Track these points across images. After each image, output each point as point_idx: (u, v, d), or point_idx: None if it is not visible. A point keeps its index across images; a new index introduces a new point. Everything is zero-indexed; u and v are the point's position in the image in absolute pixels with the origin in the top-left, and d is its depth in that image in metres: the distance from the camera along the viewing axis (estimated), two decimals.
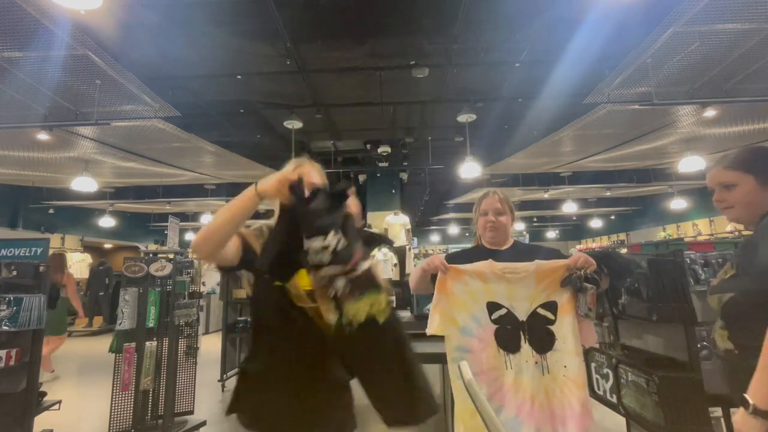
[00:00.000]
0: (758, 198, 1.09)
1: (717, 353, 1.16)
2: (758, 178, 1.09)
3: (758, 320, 0.95)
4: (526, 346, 1.29)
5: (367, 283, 0.92)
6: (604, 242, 17.08)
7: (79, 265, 11.10)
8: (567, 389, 1.25)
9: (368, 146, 7.99)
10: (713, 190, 1.21)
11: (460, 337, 1.33)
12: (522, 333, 1.30)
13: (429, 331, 1.35)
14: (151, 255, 3.30)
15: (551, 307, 1.30)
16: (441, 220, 16.44)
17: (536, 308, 1.31)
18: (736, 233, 9.82)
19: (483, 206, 1.60)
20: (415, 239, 17.80)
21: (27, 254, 2.82)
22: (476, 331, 1.32)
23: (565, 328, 1.29)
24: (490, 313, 1.32)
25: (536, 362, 1.27)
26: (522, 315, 1.32)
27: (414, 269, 1.53)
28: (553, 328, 1.30)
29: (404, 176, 10.55)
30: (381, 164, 8.60)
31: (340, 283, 0.89)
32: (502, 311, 1.32)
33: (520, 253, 1.48)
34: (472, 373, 1.29)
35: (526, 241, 17.25)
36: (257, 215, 1.25)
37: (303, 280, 1.02)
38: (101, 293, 9.19)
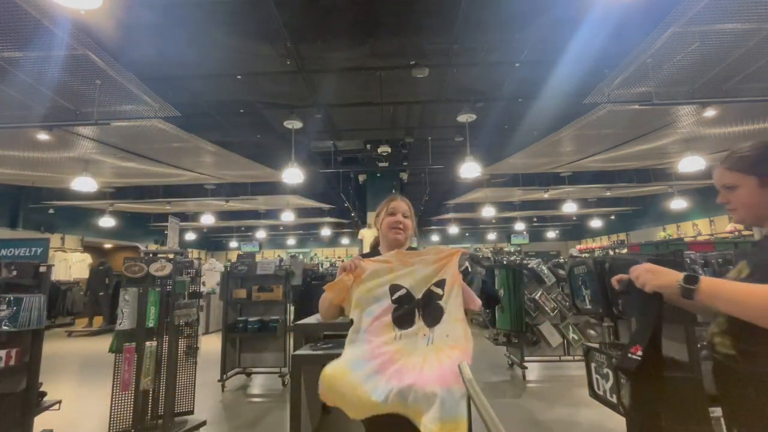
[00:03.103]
0: (760, 199, 1.05)
1: (715, 356, 1.14)
2: (761, 179, 1.04)
3: None
4: (419, 323, 1.37)
5: None
6: (604, 242, 17.08)
7: (79, 265, 11.11)
8: (444, 354, 1.31)
9: (368, 146, 8.00)
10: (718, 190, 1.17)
11: (362, 318, 1.40)
12: (417, 310, 1.38)
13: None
14: (151, 255, 3.30)
15: (441, 284, 1.40)
16: (441, 220, 16.45)
17: (430, 286, 1.41)
18: (736, 233, 9.84)
19: (391, 207, 1.65)
20: (415, 239, 17.76)
21: (27, 254, 2.82)
22: (376, 311, 1.39)
23: (451, 300, 1.38)
24: (392, 294, 1.41)
25: (424, 335, 1.35)
26: (418, 294, 1.41)
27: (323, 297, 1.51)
28: (441, 302, 1.38)
29: (404, 176, 10.56)
30: (381, 164, 8.61)
31: None
32: (402, 291, 1.40)
33: None
34: (362, 350, 1.33)
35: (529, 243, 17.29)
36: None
37: None
38: (101, 293, 9.19)
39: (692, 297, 0.94)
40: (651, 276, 1.00)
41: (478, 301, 1.44)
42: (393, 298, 1.40)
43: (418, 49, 4.60)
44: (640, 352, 1.05)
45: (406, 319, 1.37)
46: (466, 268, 1.34)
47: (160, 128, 5.04)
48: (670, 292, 0.99)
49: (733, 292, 0.93)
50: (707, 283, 0.94)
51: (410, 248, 1.67)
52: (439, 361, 1.27)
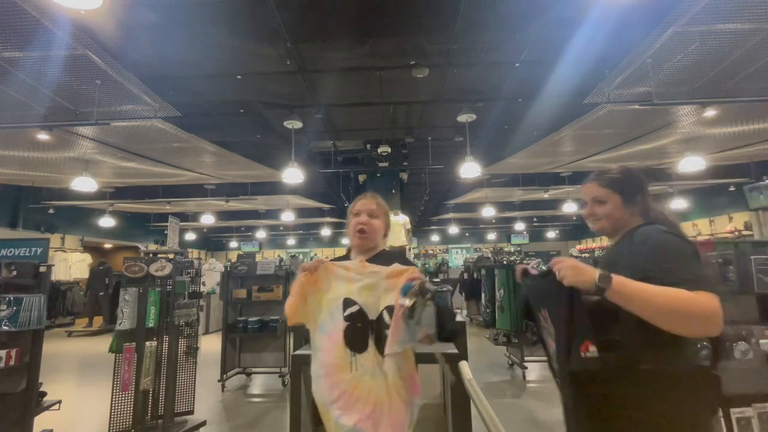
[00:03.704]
0: (622, 214, 1.25)
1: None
2: (624, 197, 1.25)
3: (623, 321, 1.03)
4: (372, 347, 1.26)
5: None
6: (604, 242, 17.08)
7: (79, 265, 11.11)
8: (396, 396, 1.23)
9: (368, 146, 8.00)
10: (585, 202, 1.32)
11: (317, 335, 1.32)
12: (370, 332, 1.28)
13: (287, 312, 1.35)
14: (151, 255, 3.30)
15: (391, 310, 1.25)
16: (441, 220, 16.45)
17: (383, 310, 1.29)
18: (736, 233, 9.83)
19: (357, 207, 1.54)
20: (415, 239, 17.81)
21: (27, 254, 2.82)
22: (329, 328, 1.30)
23: None
24: (344, 309, 1.30)
25: (378, 363, 1.24)
26: (372, 314, 1.29)
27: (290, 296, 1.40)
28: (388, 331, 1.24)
29: (404, 176, 10.55)
30: (381, 164, 8.60)
31: None
32: (355, 308, 1.29)
33: (382, 261, 1.41)
34: (320, 374, 1.26)
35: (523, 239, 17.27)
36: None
37: None
38: (101, 293, 9.19)
39: (602, 295, 1.00)
40: (572, 272, 1.04)
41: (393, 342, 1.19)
42: (345, 314, 1.29)
43: (418, 49, 4.59)
44: (593, 348, 1.00)
45: (359, 341, 1.27)
46: (413, 305, 1.13)
47: (160, 128, 5.04)
48: (587, 288, 1.02)
49: (639, 292, 0.99)
50: (619, 282, 1.00)
51: (384, 251, 1.57)
52: (390, 407, 1.21)
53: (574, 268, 1.04)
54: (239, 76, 5.06)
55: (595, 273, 1.00)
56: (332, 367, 1.26)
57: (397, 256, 1.50)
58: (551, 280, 1.09)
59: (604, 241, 17.07)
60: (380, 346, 1.24)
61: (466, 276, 8.85)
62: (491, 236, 20.94)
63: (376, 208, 1.53)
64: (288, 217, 11.89)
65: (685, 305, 0.96)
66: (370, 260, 1.43)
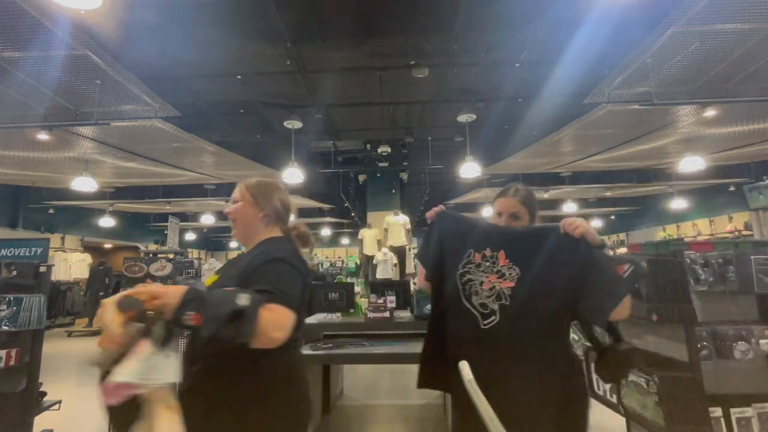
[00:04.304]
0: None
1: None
2: (530, 214, 1.38)
3: None
4: None
5: None
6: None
7: (79, 265, 11.11)
8: None
9: (368, 146, 8.00)
10: (499, 212, 1.40)
11: None
12: None
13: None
14: (151, 255, 3.30)
15: None
16: None
17: None
18: (736, 233, 9.84)
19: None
20: (415, 239, 17.78)
21: (27, 254, 2.82)
22: None
23: None
24: None
25: None
26: None
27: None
28: None
29: (404, 176, 10.56)
30: (381, 164, 8.61)
31: None
32: None
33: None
34: None
35: None
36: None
37: None
38: (101, 293, 9.18)
39: (603, 249, 1.18)
40: (586, 225, 1.17)
41: None
42: None
43: (418, 49, 4.59)
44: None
45: None
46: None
47: (160, 128, 5.04)
48: (594, 240, 1.16)
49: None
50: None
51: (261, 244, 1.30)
52: None
53: (585, 223, 1.17)
54: (239, 76, 5.06)
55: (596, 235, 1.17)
56: None
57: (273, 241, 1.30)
58: (545, 231, 1.22)
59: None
60: None
61: None
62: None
63: (245, 191, 1.32)
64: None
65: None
66: (243, 256, 1.28)
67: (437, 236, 1.36)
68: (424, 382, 1.32)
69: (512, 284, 1.18)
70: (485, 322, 1.18)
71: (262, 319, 0.95)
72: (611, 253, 1.22)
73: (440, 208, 1.40)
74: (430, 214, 1.39)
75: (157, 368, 0.89)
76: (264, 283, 1.04)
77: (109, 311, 0.92)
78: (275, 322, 0.98)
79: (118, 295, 0.94)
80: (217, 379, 1.05)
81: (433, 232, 1.38)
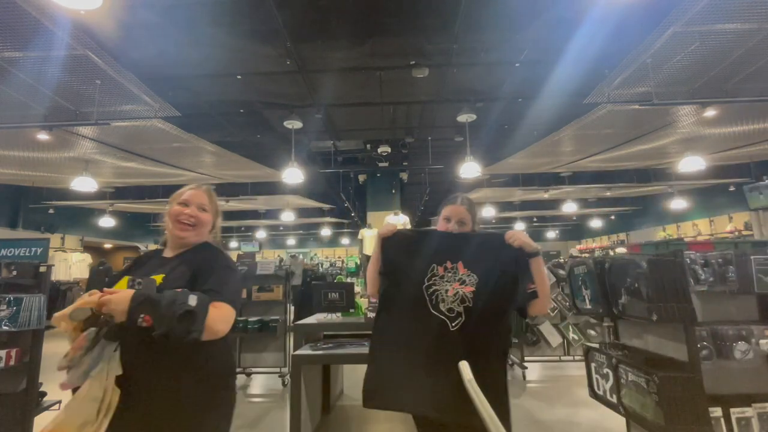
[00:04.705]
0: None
1: None
2: (473, 221, 1.60)
3: None
4: None
5: None
6: (604, 242, 17.09)
7: (79, 265, 11.11)
8: None
9: (368, 146, 8.00)
10: (448, 218, 1.58)
11: None
12: None
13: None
14: None
15: None
16: None
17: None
18: (736, 233, 9.84)
19: (185, 196, 1.40)
20: None
21: (27, 254, 2.82)
22: None
23: None
24: None
25: None
26: None
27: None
28: None
29: (404, 176, 10.56)
30: (381, 164, 8.60)
31: None
32: None
33: (196, 255, 1.35)
34: None
35: None
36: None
37: None
38: None
39: (537, 255, 1.42)
40: (524, 237, 1.42)
41: None
42: None
43: (418, 49, 4.60)
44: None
45: None
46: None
47: (160, 128, 5.04)
48: (532, 249, 1.41)
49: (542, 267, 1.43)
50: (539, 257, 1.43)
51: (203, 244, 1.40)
52: None
53: (524, 235, 1.42)
54: (239, 76, 5.06)
55: (534, 244, 1.40)
56: None
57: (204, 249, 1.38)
58: (491, 241, 1.47)
59: (604, 242, 17.08)
60: None
61: None
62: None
63: (205, 200, 1.40)
64: (288, 217, 11.89)
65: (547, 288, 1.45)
66: (171, 261, 1.34)
67: (393, 253, 1.51)
68: (378, 398, 1.38)
69: (473, 288, 1.40)
70: (453, 324, 1.37)
71: (210, 315, 1.10)
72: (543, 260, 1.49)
73: (393, 227, 1.55)
74: (383, 231, 1.53)
75: (104, 363, 1.07)
76: (214, 284, 1.21)
77: (63, 322, 1.07)
78: (220, 317, 1.14)
79: (69, 308, 1.06)
80: (157, 367, 1.16)
81: (389, 250, 1.52)
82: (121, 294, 1.06)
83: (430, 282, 1.43)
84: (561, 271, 4.84)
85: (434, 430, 1.39)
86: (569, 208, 11.74)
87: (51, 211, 10.26)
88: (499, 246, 1.43)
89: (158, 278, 1.22)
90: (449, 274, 1.43)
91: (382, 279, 1.51)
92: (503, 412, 1.31)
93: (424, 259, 1.47)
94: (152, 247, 12.99)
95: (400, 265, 1.49)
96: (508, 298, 1.41)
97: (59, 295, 9.80)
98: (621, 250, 11.49)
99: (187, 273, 1.24)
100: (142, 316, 1.02)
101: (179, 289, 1.12)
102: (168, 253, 1.37)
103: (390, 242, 1.52)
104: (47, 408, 2.74)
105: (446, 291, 1.40)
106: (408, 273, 1.46)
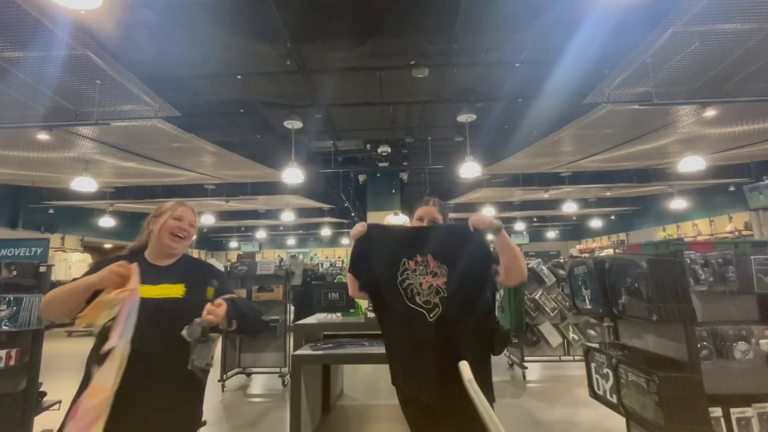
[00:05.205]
0: None
1: None
2: (443, 219, 1.66)
3: None
4: None
5: None
6: (604, 242, 17.08)
7: (79, 265, 11.11)
8: None
9: (368, 146, 7.99)
10: (421, 218, 1.63)
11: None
12: None
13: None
14: None
15: None
16: None
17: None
18: (736, 233, 9.84)
19: (179, 212, 1.58)
20: None
21: (27, 254, 2.82)
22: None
23: None
24: None
25: None
26: None
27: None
28: None
29: (404, 176, 10.55)
30: (381, 164, 8.59)
31: None
32: None
33: (184, 266, 1.57)
34: None
35: (527, 239, 17.30)
36: None
37: None
38: (101, 293, 9.19)
39: (498, 234, 1.45)
40: (481, 219, 1.48)
41: None
42: None
43: (418, 49, 4.59)
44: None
45: None
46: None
47: (160, 128, 5.04)
48: (492, 229, 1.46)
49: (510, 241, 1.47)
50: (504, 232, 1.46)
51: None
52: None
53: (485, 216, 1.49)
54: (239, 76, 5.06)
55: (495, 221, 1.46)
56: None
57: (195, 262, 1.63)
58: (456, 231, 1.52)
59: (604, 242, 17.08)
60: None
61: None
62: (491, 236, 20.91)
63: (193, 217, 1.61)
64: (288, 217, 11.88)
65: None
66: (173, 265, 1.52)
67: (366, 250, 1.56)
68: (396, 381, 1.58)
69: (445, 279, 1.45)
70: (431, 315, 1.42)
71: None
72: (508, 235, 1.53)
73: (363, 225, 1.59)
74: (354, 233, 1.57)
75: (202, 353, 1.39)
76: (228, 290, 1.50)
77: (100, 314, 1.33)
78: None
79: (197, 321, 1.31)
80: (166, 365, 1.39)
81: (362, 247, 1.57)
82: (223, 307, 1.31)
83: (403, 276, 1.48)
84: (561, 271, 4.84)
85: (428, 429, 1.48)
86: (569, 208, 11.74)
87: (51, 211, 10.25)
88: (464, 234, 1.49)
89: (179, 288, 1.42)
90: (420, 268, 1.48)
91: (362, 276, 1.57)
92: (489, 395, 1.39)
93: (394, 255, 1.51)
94: None
95: (374, 263, 1.54)
96: (479, 283, 1.47)
97: None
98: (609, 251, 11.52)
99: (201, 282, 1.46)
100: (233, 322, 1.35)
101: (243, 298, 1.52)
102: (157, 262, 1.51)
103: (361, 242, 1.57)
104: (47, 408, 2.74)
105: (420, 284, 1.46)
106: (383, 269, 1.52)
